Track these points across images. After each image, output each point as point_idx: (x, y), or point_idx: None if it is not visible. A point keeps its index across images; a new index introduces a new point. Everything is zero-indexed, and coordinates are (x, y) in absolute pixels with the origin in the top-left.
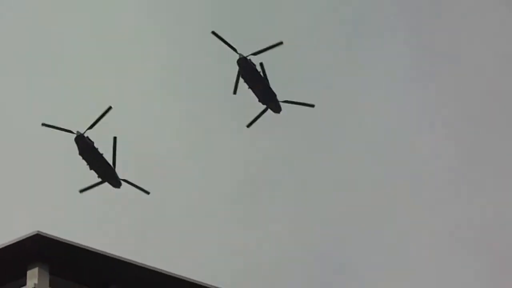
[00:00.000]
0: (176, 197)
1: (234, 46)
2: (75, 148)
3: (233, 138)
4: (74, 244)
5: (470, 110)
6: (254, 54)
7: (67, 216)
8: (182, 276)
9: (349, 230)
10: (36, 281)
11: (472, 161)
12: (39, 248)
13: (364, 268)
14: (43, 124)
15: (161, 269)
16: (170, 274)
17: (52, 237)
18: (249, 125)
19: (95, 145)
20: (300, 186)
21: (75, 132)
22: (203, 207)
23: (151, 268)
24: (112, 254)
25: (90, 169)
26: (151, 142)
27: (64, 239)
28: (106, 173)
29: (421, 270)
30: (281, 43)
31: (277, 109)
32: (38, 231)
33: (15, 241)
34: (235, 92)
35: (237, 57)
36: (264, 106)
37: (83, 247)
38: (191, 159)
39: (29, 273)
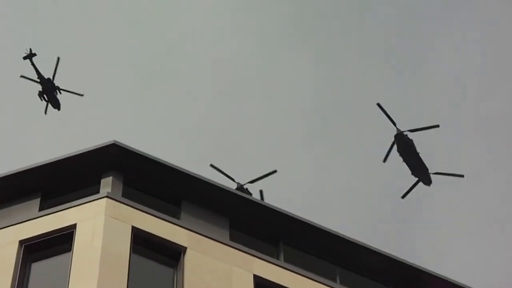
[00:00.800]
0: None
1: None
2: None
3: None
4: (150, 157)
5: None
6: (412, 131)
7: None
8: (255, 198)
9: None
10: (109, 190)
11: None
12: (115, 158)
13: None
14: None
15: (234, 190)
16: (242, 195)
17: (129, 148)
18: (403, 197)
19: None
20: None
21: (397, 130)
22: None
23: (223, 187)
24: (186, 170)
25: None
26: None
27: (141, 151)
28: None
29: None
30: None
31: (428, 182)
32: (115, 140)
33: (92, 148)
34: (385, 161)
35: (395, 131)
36: (416, 179)
37: (159, 160)
38: None
39: (103, 181)
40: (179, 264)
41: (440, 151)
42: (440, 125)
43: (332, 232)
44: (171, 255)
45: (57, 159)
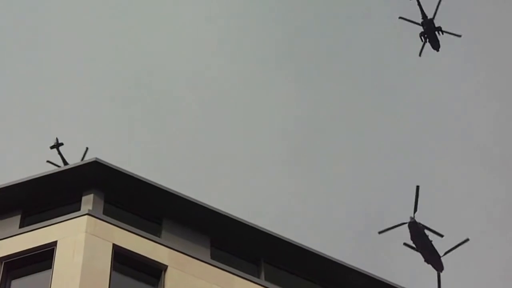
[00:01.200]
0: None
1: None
2: None
3: None
4: (131, 174)
5: None
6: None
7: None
8: (236, 217)
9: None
10: (90, 207)
11: None
12: (96, 175)
13: None
14: None
15: (216, 208)
16: (225, 214)
17: (110, 165)
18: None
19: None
20: None
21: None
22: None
23: (205, 205)
24: (167, 188)
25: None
26: None
27: (122, 168)
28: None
29: None
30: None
31: (440, 268)
32: (96, 158)
33: (73, 166)
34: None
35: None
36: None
37: (140, 177)
38: None
39: (84, 198)
40: (160, 282)
41: None
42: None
43: (313, 251)
44: (152, 273)
45: (38, 176)
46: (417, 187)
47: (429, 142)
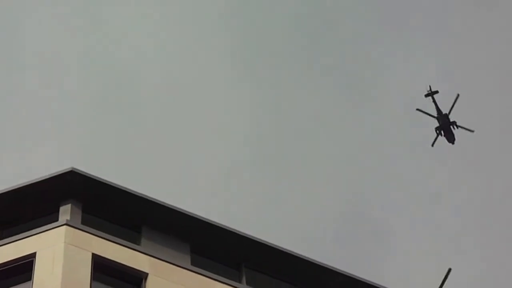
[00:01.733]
0: None
1: None
2: None
3: None
4: (109, 183)
5: None
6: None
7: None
8: (216, 222)
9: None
10: (68, 217)
11: None
12: (73, 185)
13: None
14: None
15: (196, 214)
16: (204, 219)
17: (87, 174)
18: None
19: None
20: None
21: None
22: None
23: (184, 211)
24: (146, 196)
25: None
26: None
27: (99, 177)
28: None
29: None
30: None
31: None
32: (73, 167)
33: (49, 176)
34: None
35: None
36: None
37: (118, 186)
38: None
39: (62, 209)
40: None
41: None
42: None
43: (293, 253)
44: (132, 281)
45: (14, 187)
46: None
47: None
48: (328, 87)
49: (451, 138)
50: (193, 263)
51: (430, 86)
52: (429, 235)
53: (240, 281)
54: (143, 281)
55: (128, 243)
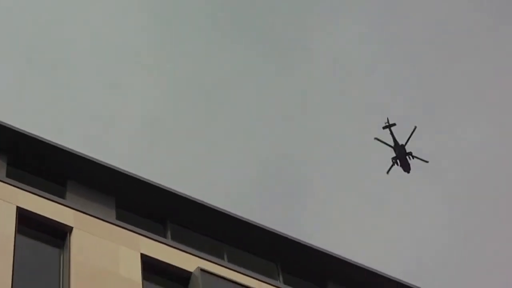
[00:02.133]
0: None
1: None
2: None
3: None
4: (34, 136)
5: None
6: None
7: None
8: (141, 177)
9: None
10: None
11: None
12: None
13: None
14: None
15: (121, 168)
16: (130, 174)
17: (11, 127)
18: None
19: None
20: None
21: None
22: None
23: (109, 166)
24: (71, 149)
25: None
26: None
27: (24, 130)
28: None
29: None
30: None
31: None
32: None
33: None
34: None
35: None
36: None
37: (43, 139)
38: None
39: None
40: (65, 244)
41: None
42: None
43: (219, 209)
44: (57, 235)
45: None
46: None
47: (321, 92)
48: (252, 44)
49: (406, 168)
50: (118, 217)
51: (388, 119)
52: (350, 192)
53: (165, 236)
54: (68, 234)
55: (53, 196)
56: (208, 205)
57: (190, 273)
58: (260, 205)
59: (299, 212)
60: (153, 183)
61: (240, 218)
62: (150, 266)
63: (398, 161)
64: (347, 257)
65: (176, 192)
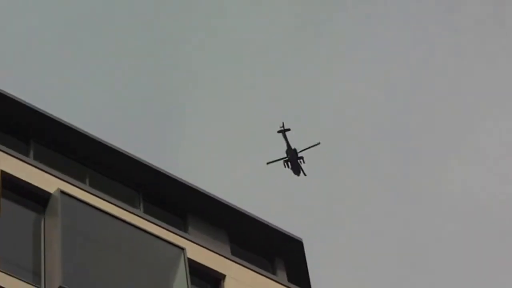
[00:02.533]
0: None
1: None
2: None
3: None
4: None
5: None
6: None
7: None
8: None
9: None
10: None
11: None
12: None
13: None
14: None
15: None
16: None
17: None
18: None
19: None
20: None
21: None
22: None
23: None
24: (35, 106)
25: None
26: None
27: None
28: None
29: None
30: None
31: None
32: None
33: None
34: None
35: None
36: None
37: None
38: None
39: None
40: None
41: None
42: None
43: (84, 132)
44: None
45: None
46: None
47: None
48: None
49: (296, 171)
50: None
51: (283, 123)
52: (223, 125)
53: (27, 155)
54: None
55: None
56: (73, 127)
57: (49, 194)
58: (134, 133)
59: (177, 144)
60: (18, 100)
61: (105, 143)
62: (9, 184)
63: (289, 164)
64: (209, 191)
65: (40, 111)
